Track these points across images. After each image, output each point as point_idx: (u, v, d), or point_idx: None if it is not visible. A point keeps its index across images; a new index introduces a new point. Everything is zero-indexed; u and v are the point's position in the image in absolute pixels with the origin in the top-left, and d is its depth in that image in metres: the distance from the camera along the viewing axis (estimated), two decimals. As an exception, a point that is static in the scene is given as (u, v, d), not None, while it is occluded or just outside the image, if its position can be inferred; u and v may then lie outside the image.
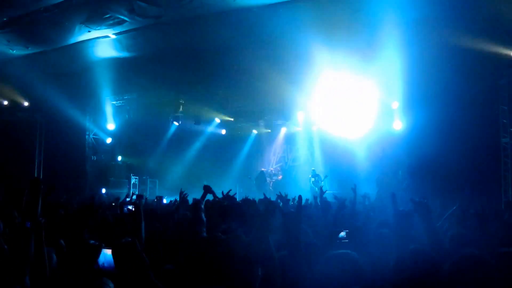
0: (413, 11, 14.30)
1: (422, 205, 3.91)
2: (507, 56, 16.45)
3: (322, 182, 23.09)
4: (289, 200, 10.10)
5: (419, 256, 3.40)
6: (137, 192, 19.58)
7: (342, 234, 5.07)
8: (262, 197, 10.44)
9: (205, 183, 8.02)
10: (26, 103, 23.62)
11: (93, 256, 3.52)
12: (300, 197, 4.04)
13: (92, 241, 3.57)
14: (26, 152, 23.03)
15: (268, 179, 27.19)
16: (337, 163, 23.68)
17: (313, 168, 24.79)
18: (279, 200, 7.96)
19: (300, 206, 3.55)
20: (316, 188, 22.52)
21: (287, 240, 3.51)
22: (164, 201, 13.94)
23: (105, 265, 4.00)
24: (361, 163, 20.88)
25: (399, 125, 20.35)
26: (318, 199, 8.77)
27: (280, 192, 8.36)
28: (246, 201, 6.79)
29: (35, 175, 23.07)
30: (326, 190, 9.76)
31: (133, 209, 4.98)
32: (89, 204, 3.90)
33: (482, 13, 14.42)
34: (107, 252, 4.02)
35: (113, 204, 13.05)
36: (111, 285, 3.38)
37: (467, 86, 16.41)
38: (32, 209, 3.27)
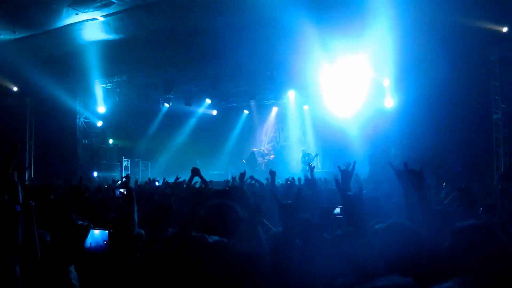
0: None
1: (415, 173, 3.78)
2: (498, 32, 16.43)
3: (313, 161, 23.13)
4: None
5: (401, 230, 3.35)
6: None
7: (337, 210, 5.04)
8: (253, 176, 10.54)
9: (197, 163, 8.02)
10: (15, 88, 23.43)
11: (81, 237, 3.46)
12: (299, 189, 3.99)
13: (80, 222, 3.51)
14: (16, 137, 22.85)
15: (260, 159, 27.28)
16: (329, 141, 23.74)
17: (303, 148, 24.82)
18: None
19: (299, 197, 3.47)
20: (307, 167, 22.60)
21: (283, 231, 3.45)
22: (157, 183, 13.87)
23: (93, 245, 3.97)
24: (353, 141, 20.89)
25: (390, 102, 20.32)
26: (309, 175, 8.74)
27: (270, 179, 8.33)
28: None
29: (26, 160, 22.99)
30: (314, 166, 9.70)
31: (125, 192, 4.90)
32: (76, 186, 3.83)
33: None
34: (95, 232, 3.99)
35: (106, 186, 13.07)
36: (73, 270, 3.35)
37: (458, 62, 16.36)
38: (14, 192, 3.21)
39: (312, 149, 24.95)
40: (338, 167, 4.69)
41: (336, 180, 4.21)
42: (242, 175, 8.30)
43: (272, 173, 7.69)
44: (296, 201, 3.39)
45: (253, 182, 10.35)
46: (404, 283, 1.86)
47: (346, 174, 4.54)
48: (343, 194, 3.70)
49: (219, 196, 3.87)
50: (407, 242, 3.17)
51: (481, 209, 6.26)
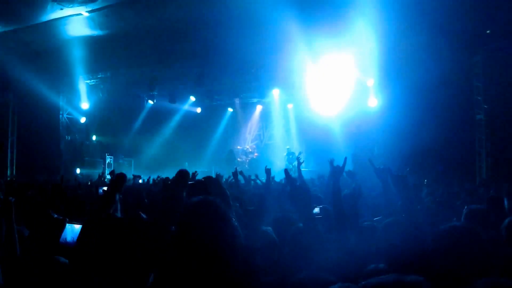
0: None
1: (399, 178, 3.84)
2: (480, 33, 16.56)
3: (295, 161, 23.18)
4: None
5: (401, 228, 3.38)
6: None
7: (316, 210, 5.03)
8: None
9: (186, 165, 8.03)
10: (-3, 83, 23.22)
11: (57, 231, 3.45)
12: (263, 197, 3.99)
13: (56, 216, 3.50)
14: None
15: (244, 157, 27.29)
16: (313, 140, 23.77)
17: (287, 146, 24.88)
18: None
19: (262, 204, 3.50)
20: (291, 165, 22.67)
21: (247, 234, 3.47)
22: (140, 181, 13.81)
23: (74, 239, 3.96)
24: (336, 140, 20.95)
25: (374, 102, 20.41)
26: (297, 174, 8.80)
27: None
28: None
29: (8, 156, 22.79)
30: (303, 161, 9.76)
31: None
32: (57, 184, 3.83)
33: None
34: (75, 227, 3.97)
35: (89, 182, 12.98)
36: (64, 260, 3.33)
37: (441, 63, 16.47)
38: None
39: (296, 147, 24.99)
40: (330, 162, 4.73)
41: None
42: (235, 173, 8.27)
43: (268, 171, 7.73)
44: (258, 207, 3.41)
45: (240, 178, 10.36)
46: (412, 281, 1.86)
47: (336, 170, 4.59)
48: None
49: (190, 190, 3.82)
50: (410, 239, 3.20)
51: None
